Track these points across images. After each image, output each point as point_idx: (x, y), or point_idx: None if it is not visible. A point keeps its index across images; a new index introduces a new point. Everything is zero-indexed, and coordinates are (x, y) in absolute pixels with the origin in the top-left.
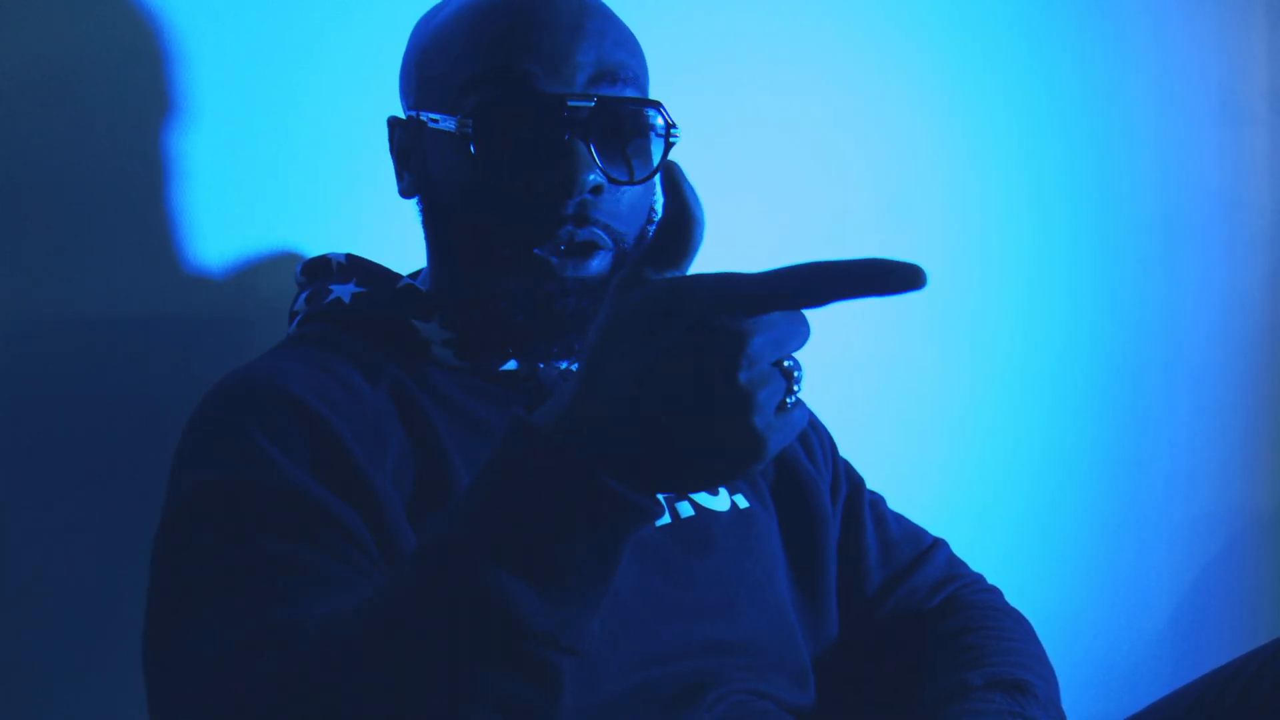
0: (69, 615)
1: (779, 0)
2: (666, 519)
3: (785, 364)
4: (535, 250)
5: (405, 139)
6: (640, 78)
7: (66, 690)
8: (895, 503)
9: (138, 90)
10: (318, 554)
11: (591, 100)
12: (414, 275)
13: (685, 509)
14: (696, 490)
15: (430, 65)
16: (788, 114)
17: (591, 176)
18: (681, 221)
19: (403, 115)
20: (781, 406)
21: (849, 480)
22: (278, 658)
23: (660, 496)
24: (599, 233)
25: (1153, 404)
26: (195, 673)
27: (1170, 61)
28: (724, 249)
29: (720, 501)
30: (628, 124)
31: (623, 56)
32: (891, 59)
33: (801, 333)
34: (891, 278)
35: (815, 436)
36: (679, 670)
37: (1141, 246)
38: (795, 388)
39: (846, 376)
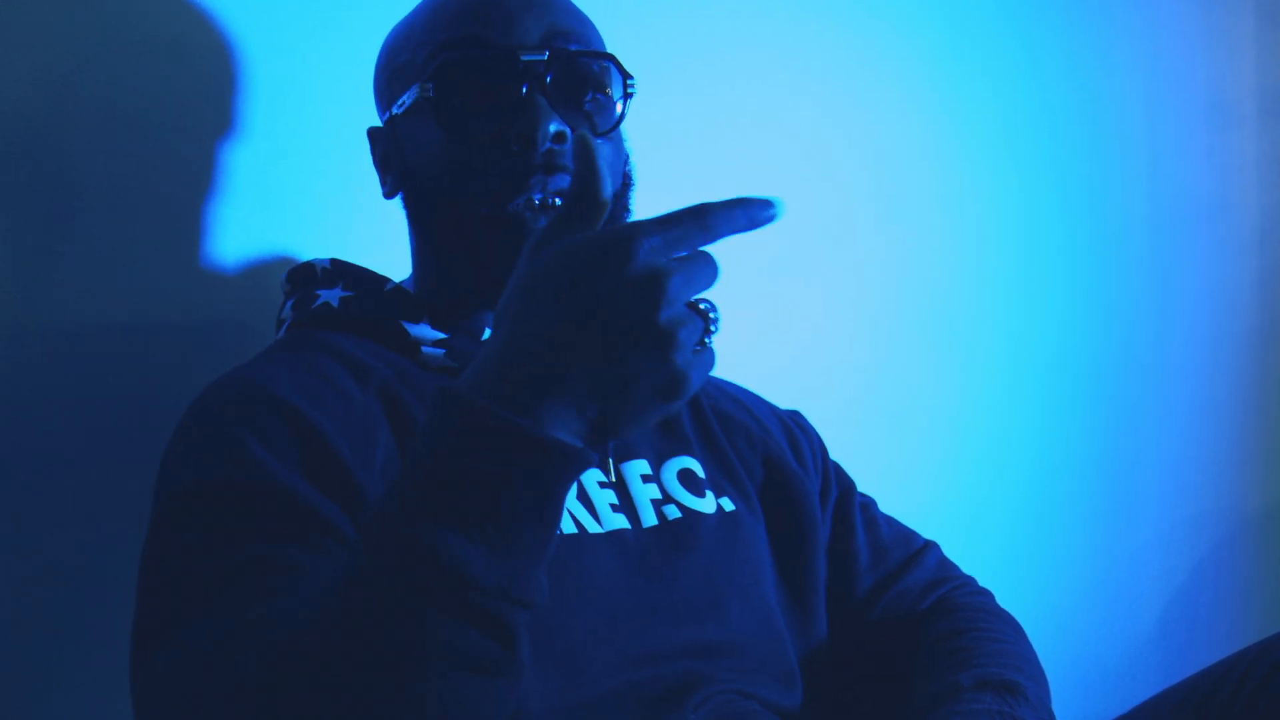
0: (64, 616)
1: (773, 1)
2: (655, 521)
3: (701, 305)
4: (510, 207)
5: (383, 144)
6: (594, 46)
7: (59, 692)
8: (887, 505)
9: (132, 96)
10: (307, 554)
11: (544, 53)
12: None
13: (672, 511)
14: (626, 431)
15: (395, 60)
16: (781, 115)
17: (553, 125)
18: (590, 188)
19: (380, 125)
20: (700, 345)
21: (839, 483)
22: (259, 655)
23: (655, 495)
24: (570, 179)
25: (1144, 406)
26: (182, 673)
27: (1160, 64)
28: (718, 249)
29: (706, 504)
30: (584, 78)
31: (574, 24)
32: (882, 60)
33: (710, 270)
34: (751, 206)
35: (805, 439)
36: (665, 671)
37: (1132, 248)
38: (712, 327)
39: (839, 379)
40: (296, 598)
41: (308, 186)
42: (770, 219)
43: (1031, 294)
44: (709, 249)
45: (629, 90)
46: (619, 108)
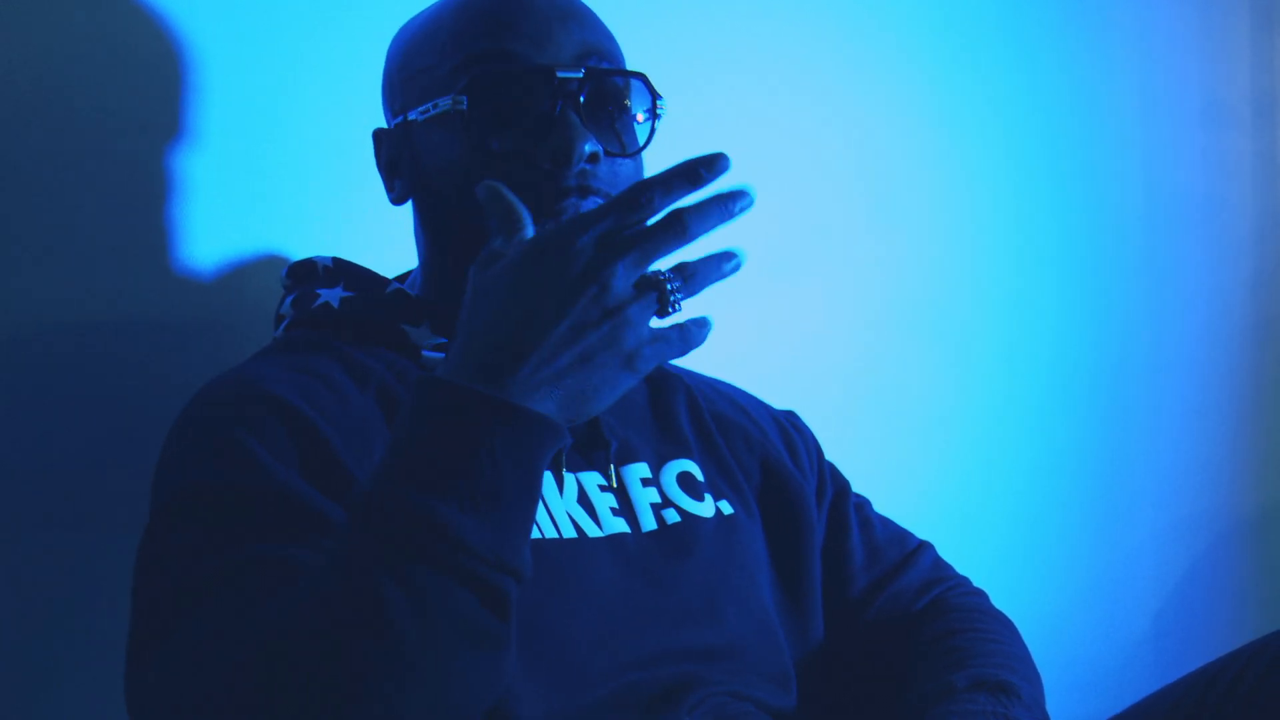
0: (56, 618)
1: (769, 1)
2: (654, 525)
3: (660, 276)
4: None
5: (393, 148)
6: (621, 64)
7: (59, 692)
8: (882, 505)
9: (126, 96)
10: (306, 554)
11: (579, 71)
12: (401, 278)
13: (671, 515)
14: (594, 406)
15: (413, 63)
16: (777, 115)
17: (588, 145)
18: (502, 204)
19: (388, 126)
20: (666, 312)
21: (834, 483)
22: (262, 648)
23: (654, 499)
24: (600, 203)
25: (1138, 406)
26: (181, 674)
27: (1154, 66)
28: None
29: (705, 508)
30: (615, 97)
31: (604, 41)
32: (878, 62)
33: (664, 239)
34: (698, 168)
35: (800, 440)
36: (661, 674)
37: (1127, 249)
38: (671, 298)
39: (834, 379)
40: (292, 590)
41: (298, 186)
42: (712, 177)
43: (1027, 294)
44: (675, 217)
45: (658, 111)
46: (648, 127)
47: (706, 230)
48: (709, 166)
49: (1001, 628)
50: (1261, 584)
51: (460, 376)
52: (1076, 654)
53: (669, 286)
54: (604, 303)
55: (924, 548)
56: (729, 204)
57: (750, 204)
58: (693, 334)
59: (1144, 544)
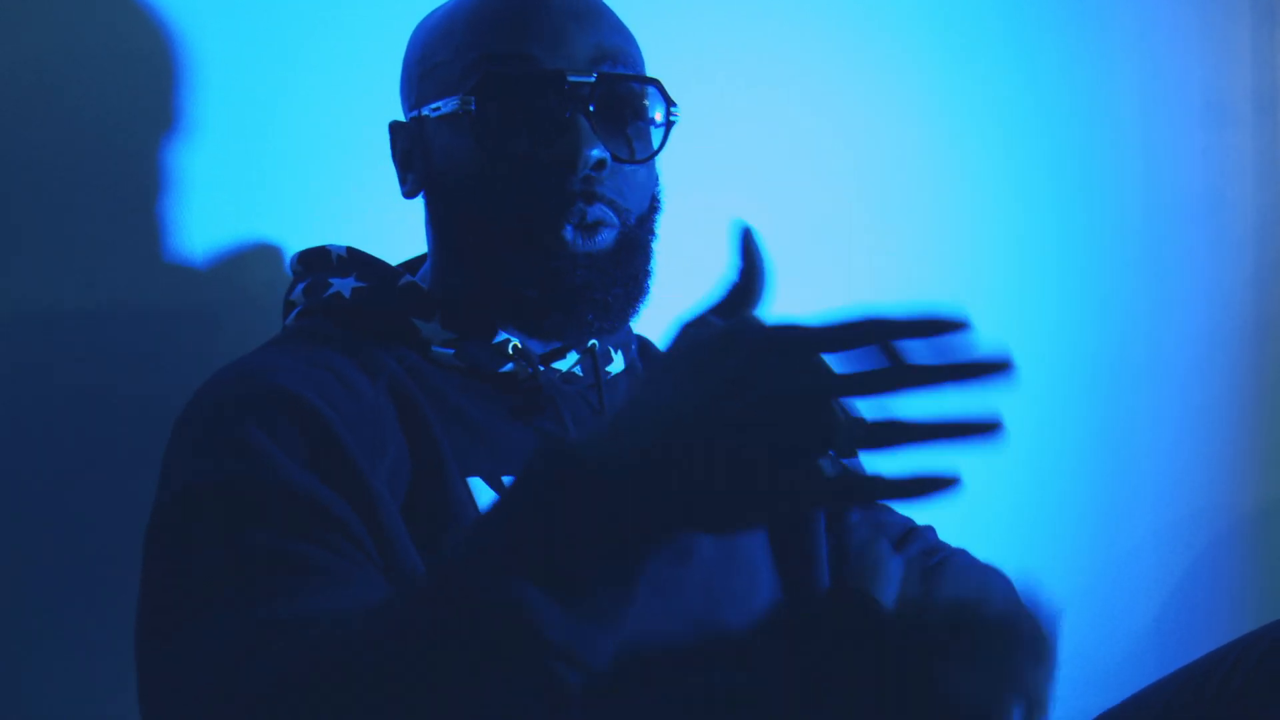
0: (53, 614)
1: (769, 1)
2: None
3: (847, 424)
4: (546, 233)
5: (407, 141)
6: (638, 65)
7: (51, 693)
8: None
9: (124, 89)
10: (314, 549)
11: (592, 76)
12: (411, 268)
13: None
14: (717, 531)
15: (430, 59)
16: (774, 115)
17: (595, 152)
18: (751, 279)
19: (404, 119)
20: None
21: None
22: (277, 655)
23: None
24: (606, 210)
25: (1139, 403)
26: (192, 672)
27: (1155, 64)
28: (711, 250)
29: None
30: (628, 103)
31: (620, 42)
32: (877, 60)
33: (872, 384)
34: (935, 325)
35: None
36: (661, 674)
37: (1127, 247)
38: (845, 452)
39: None
40: (333, 607)
41: (295, 178)
42: (944, 338)
43: (1027, 292)
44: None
45: (671, 117)
46: (660, 133)
47: (923, 393)
48: (946, 329)
49: (990, 572)
50: (1262, 580)
51: (595, 452)
52: (1077, 651)
53: (852, 436)
54: (769, 430)
55: (926, 528)
56: (968, 378)
57: (1005, 382)
58: (864, 490)
59: (1145, 541)
